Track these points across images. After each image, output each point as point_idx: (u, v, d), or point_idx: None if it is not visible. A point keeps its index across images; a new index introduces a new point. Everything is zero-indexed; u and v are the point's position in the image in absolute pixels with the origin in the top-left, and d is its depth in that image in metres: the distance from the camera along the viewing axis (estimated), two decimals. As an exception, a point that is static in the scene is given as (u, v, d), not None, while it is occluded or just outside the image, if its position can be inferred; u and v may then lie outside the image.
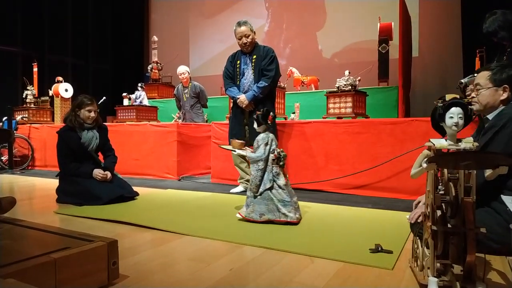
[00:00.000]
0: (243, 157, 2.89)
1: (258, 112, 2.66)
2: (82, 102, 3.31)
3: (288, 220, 2.45)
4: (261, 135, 2.61)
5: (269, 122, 2.63)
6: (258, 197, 2.51)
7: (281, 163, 2.55)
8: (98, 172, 3.24)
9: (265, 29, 7.79)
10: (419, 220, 1.76)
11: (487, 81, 1.91)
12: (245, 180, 3.75)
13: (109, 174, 3.28)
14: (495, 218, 1.73)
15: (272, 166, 2.54)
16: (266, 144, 2.56)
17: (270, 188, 2.51)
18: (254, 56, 3.65)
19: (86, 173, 3.22)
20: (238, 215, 2.57)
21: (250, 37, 3.58)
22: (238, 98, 3.62)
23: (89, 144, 3.30)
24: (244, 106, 3.60)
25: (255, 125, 2.67)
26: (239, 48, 3.77)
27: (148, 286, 1.54)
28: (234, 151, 2.70)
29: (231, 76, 3.78)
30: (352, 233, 2.27)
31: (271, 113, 2.63)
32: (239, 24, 3.61)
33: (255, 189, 2.53)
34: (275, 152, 2.55)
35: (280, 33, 7.62)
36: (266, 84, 3.55)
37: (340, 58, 7.23)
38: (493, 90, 1.90)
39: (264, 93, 3.58)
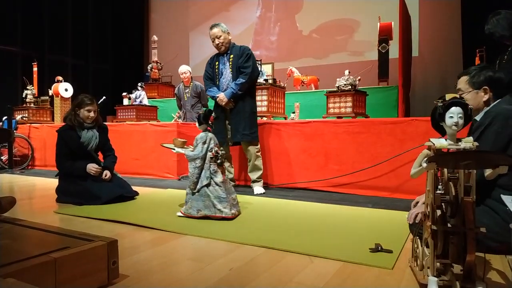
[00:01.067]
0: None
1: (200, 112, 2.75)
2: (82, 101, 3.31)
3: (223, 215, 2.54)
4: (200, 134, 2.69)
5: (210, 122, 2.71)
6: (196, 193, 2.61)
7: (218, 161, 2.64)
8: (92, 167, 3.22)
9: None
10: (417, 220, 1.76)
11: (467, 85, 1.94)
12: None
13: (108, 173, 3.29)
14: (493, 217, 1.73)
15: (210, 164, 2.63)
16: (204, 142, 2.65)
17: (207, 185, 2.60)
18: (231, 56, 3.74)
19: (80, 168, 3.21)
20: (179, 213, 2.65)
21: (222, 37, 3.67)
22: (218, 97, 3.67)
23: (89, 143, 3.30)
24: (223, 104, 3.65)
25: (197, 124, 2.75)
26: None
27: (148, 286, 1.54)
28: (174, 149, 2.77)
29: (211, 77, 3.87)
30: (352, 233, 2.27)
31: (213, 114, 2.73)
32: (211, 27, 3.73)
33: (192, 186, 2.63)
34: (213, 151, 2.63)
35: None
36: (244, 80, 3.61)
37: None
38: (473, 93, 1.92)
39: (243, 90, 3.64)
